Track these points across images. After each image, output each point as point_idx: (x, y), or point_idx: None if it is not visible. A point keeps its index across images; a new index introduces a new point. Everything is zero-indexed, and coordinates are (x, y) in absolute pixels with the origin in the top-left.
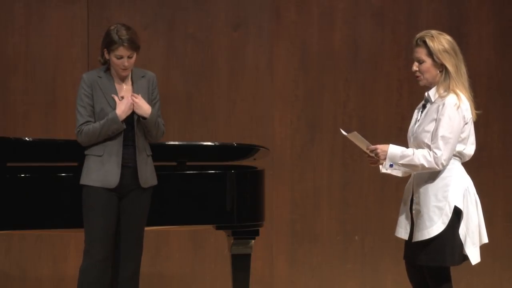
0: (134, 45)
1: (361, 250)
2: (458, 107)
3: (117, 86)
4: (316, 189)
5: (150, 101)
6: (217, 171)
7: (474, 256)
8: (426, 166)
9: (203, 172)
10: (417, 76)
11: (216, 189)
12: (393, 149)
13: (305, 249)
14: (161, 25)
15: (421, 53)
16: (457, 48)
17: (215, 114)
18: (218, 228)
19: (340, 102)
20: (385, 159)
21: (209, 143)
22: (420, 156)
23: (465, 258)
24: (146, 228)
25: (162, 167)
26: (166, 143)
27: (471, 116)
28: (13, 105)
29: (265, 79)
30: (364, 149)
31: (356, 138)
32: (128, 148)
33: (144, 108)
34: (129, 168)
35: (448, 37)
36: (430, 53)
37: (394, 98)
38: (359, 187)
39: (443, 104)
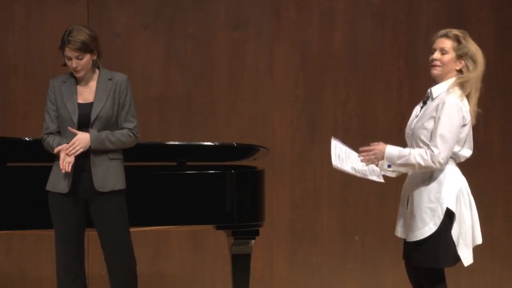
0: (80, 46)
1: (361, 250)
2: (459, 107)
3: (79, 89)
4: (316, 189)
5: (112, 106)
6: (217, 171)
7: (466, 257)
8: (423, 164)
9: (203, 172)
10: (435, 65)
11: (216, 189)
12: (390, 149)
13: (305, 249)
14: (161, 25)
15: (448, 44)
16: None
17: (215, 114)
18: (218, 228)
19: (340, 102)
20: (382, 159)
21: (209, 143)
22: (416, 155)
23: (459, 259)
24: (146, 228)
25: (162, 167)
26: (166, 143)
27: (470, 118)
28: (13, 105)
29: (265, 79)
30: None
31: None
32: (84, 152)
33: (83, 143)
34: (86, 172)
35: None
36: (459, 48)
37: (394, 98)
38: (359, 187)
39: (443, 103)
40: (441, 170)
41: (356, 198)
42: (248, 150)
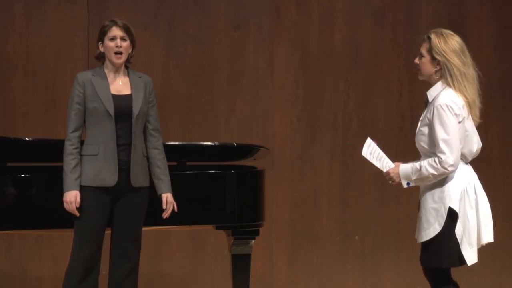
0: (127, 28)
1: (361, 250)
2: (448, 106)
3: (110, 82)
4: (316, 189)
5: (146, 103)
6: (217, 171)
7: (470, 256)
8: (436, 173)
9: (203, 172)
10: (418, 70)
11: (216, 189)
12: (403, 168)
13: (305, 249)
14: (161, 25)
15: (423, 47)
16: (466, 51)
17: (215, 114)
18: (218, 228)
19: (340, 102)
20: (399, 178)
21: (209, 143)
22: (427, 166)
23: (464, 259)
24: (146, 228)
25: None
26: (166, 143)
27: (465, 115)
28: (13, 105)
29: (265, 79)
30: (383, 170)
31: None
32: (124, 147)
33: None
34: (124, 168)
35: (458, 39)
36: (430, 50)
37: (394, 98)
38: (359, 187)
39: (434, 107)
40: (455, 170)
41: (356, 198)
42: (248, 150)
